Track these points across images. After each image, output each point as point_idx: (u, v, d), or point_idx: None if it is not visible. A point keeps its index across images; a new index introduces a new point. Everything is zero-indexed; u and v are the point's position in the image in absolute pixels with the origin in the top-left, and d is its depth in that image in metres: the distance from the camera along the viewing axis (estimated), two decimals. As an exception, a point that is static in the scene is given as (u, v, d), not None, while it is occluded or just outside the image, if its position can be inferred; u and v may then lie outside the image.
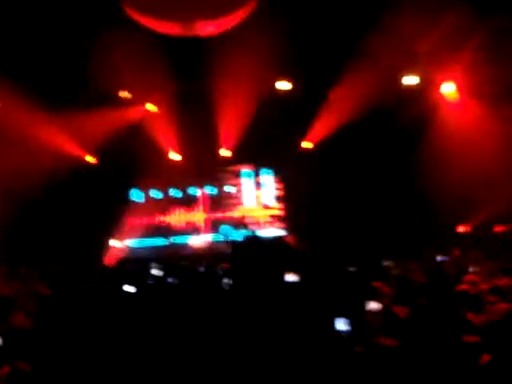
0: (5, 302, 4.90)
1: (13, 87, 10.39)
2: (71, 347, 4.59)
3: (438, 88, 12.24)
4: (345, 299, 5.18)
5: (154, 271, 9.24)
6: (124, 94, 12.47)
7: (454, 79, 12.00)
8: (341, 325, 4.73)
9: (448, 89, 12.17)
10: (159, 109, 13.16)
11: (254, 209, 14.47)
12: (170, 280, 7.77)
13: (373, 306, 5.04)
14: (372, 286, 5.68)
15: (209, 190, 14.59)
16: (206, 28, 10.28)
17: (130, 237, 14.18)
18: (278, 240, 12.53)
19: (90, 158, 13.69)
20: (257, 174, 14.54)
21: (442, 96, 12.28)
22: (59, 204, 12.71)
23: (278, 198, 14.38)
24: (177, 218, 14.55)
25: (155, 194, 14.60)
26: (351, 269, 6.67)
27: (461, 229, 12.06)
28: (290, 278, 5.69)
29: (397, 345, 4.27)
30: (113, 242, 13.70)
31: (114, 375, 4.23)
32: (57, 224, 12.53)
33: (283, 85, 12.43)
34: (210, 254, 13.09)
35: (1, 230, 11.15)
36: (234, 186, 14.56)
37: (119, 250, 13.65)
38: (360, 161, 12.58)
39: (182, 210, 14.57)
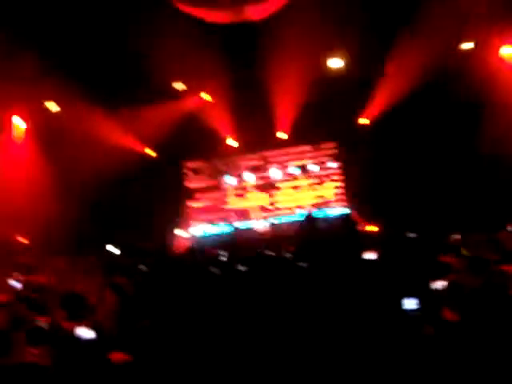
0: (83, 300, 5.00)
1: (70, 88, 10.62)
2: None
3: (497, 51, 11.83)
4: (414, 275, 5.14)
5: (222, 259, 9.36)
6: (179, 85, 12.55)
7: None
8: (409, 304, 4.68)
9: (507, 51, 11.75)
10: (214, 97, 13.22)
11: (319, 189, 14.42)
12: (240, 267, 7.82)
13: (440, 284, 4.93)
14: (441, 261, 5.55)
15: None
16: (256, 11, 10.27)
17: (194, 225, 14.41)
18: (343, 218, 12.55)
19: (149, 151, 13.92)
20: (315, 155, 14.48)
21: (501, 59, 11.86)
22: (123, 198, 12.99)
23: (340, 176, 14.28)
24: (240, 203, 14.65)
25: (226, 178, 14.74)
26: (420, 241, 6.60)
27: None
28: (368, 255, 5.69)
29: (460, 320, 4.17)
30: (179, 232, 13.92)
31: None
32: (123, 216, 12.83)
33: (337, 62, 12.25)
34: (275, 237, 13.18)
35: (73, 222, 11.56)
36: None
37: (185, 239, 13.87)
38: (421, 133, 12.30)
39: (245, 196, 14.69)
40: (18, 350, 3.84)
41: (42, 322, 4.61)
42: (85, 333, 4.43)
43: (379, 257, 6.03)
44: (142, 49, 9.92)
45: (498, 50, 11.83)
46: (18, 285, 7.31)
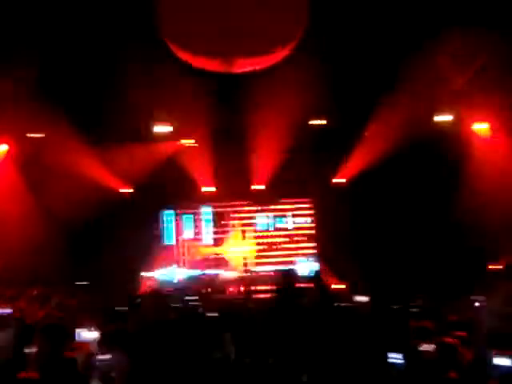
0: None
1: (56, 119, 10.69)
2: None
3: (471, 125, 12.35)
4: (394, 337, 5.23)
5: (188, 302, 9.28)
6: (162, 128, 12.72)
7: (488, 119, 12.11)
8: (394, 358, 4.77)
9: (481, 127, 12.28)
10: (195, 143, 13.41)
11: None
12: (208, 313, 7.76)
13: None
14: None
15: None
16: (245, 65, 10.56)
17: (162, 268, 14.34)
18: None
19: (125, 190, 13.95)
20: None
21: (475, 133, 12.37)
22: (97, 230, 12.91)
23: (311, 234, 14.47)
24: (209, 250, 14.69)
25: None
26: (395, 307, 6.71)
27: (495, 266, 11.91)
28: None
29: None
30: (145, 274, 13.83)
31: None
32: (92, 252, 12.71)
33: (318, 121, 12.61)
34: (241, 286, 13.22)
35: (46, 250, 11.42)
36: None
37: (152, 281, 13.76)
38: (394, 196, 12.63)
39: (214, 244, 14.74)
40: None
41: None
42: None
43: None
44: (129, 87, 10.03)
45: (472, 124, 12.37)
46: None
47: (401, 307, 6.74)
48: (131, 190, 13.93)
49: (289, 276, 6.80)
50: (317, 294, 6.89)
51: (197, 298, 9.89)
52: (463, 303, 7.84)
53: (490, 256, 11.20)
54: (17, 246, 10.80)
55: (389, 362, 4.72)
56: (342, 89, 10.75)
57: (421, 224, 12.50)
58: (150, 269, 14.07)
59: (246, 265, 14.50)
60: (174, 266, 14.58)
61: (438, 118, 12.29)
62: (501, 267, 11.05)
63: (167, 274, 14.37)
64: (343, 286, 11.36)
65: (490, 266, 11.41)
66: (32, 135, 12.21)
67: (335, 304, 6.44)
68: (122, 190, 13.86)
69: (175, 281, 14.11)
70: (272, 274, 13.30)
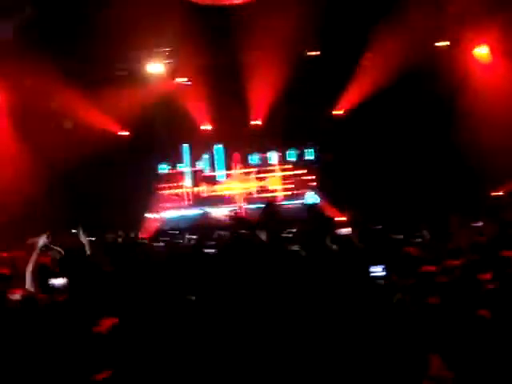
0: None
1: (45, 64, 10.47)
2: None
3: (471, 50, 12.07)
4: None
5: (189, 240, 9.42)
6: (156, 68, 12.49)
7: (487, 41, 11.82)
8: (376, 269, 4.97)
9: (481, 51, 12.00)
10: (190, 81, 13.19)
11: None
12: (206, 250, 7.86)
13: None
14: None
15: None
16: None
17: (165, 209, 14.49)
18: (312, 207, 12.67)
19: (123, 133, 13.86)
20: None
21: (474, 58, 12.11)
22: (95, 178, 12.92)
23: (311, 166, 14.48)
24: (210, 188, 14.75)
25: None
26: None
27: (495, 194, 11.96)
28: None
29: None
30: (149, 215, 13.96)
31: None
32: (93, 197, 12.77)
33: (313, 52, 12.35)
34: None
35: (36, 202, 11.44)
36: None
37: (155, 221, 13.92)
38: (393, 126, 12.52)
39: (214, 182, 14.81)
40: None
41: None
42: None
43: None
44: (122, 24, 9.74)
45: (472, 49, 12.09)
46: None
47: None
48: (128, 133, 13.85)
49: (271, 208, 6.70)
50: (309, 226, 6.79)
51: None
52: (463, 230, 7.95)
53: (490, 181, 11.28)
54: (13, 196, 10.79)
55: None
56: (337, 17, 10.47)
57: (422, 152, 12.46)
58: (154, 210, 14.22)
59: (247, 200, 14.60)
60: (180, 204, 14.72)
61: (436, 44, 11.97)
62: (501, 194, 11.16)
63: (172, 214, 14.54)
64: (344, 219, 11.42)
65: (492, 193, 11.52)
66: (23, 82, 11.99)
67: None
68: (120, 133, 13.79)
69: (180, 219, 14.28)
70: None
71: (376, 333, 3.98)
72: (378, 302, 4.57)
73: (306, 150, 14.52)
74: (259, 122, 13.86)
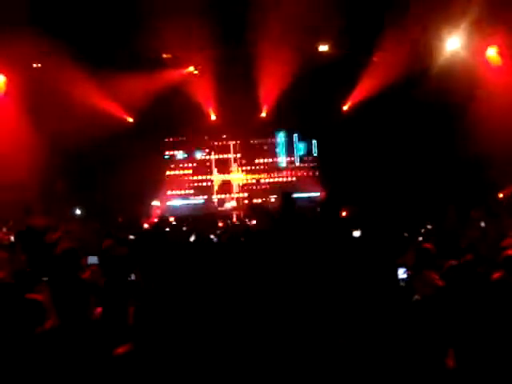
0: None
1: (55, 48, 10.52)
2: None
3: (482, 52, 12.09)
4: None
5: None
6: (166, 56, 12.54)
7: (497, 44, 11.82)
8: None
9: (490, 53, 12.02)
10: (200, 71, 13.25)
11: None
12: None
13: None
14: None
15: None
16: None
17: (170, 196, 14.60)
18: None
19: (131, 119, 13.93)
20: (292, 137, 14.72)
21: (485, 60, 12.11)
22: (101, 164, 13.00)
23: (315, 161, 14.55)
24: (215, 177, 14.86)
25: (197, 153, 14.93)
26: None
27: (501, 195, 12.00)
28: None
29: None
30: (154, 202, 14.06)
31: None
32: (100, 183, 12.86)
33: (324, 48, 12.39)
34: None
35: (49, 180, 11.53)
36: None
37: (160, 208, 14.01)
38: (402, 125, 12.56)
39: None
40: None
41: None
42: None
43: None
44: (132, 13, 9.84)
45: (483, 51, 12.09)
46: None
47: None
48: (135, 119, 13.91)
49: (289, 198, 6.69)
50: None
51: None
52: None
53: (495, 184, 11.33)
54: (21, 176, 10.86)
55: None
56: (350, 13, 10.50)
57: (428, 153, 12.51)
58: (159, 198, 14.33)
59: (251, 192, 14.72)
60: (184, 192, 14.84)
61: (447, 44, 11.98)
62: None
63: (177, 202, 14.65)
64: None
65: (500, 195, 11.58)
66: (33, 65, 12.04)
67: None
68: (127, 119, 13.86)
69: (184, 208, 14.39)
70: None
71: (395, 331, 4.03)
72: (400, 301, 4.66)
73: (313, 144, 14.60)
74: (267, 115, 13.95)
